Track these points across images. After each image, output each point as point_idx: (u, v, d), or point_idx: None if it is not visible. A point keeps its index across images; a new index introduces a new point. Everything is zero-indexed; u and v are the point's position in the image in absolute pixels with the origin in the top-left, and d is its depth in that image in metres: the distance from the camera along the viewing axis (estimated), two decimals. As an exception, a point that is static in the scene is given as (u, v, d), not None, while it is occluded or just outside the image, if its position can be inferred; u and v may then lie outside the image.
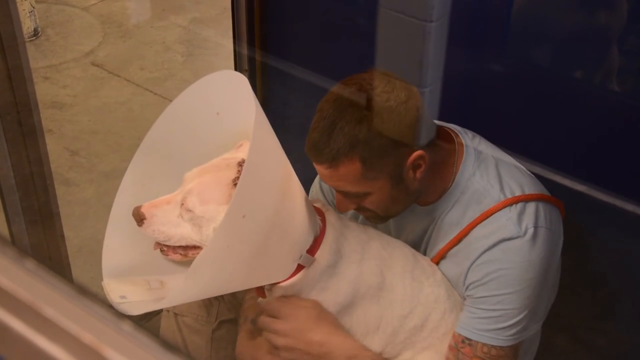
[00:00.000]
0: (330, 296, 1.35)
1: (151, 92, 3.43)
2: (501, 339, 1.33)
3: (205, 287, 1.24)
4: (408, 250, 1.43)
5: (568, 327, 1.81)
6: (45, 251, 1.79)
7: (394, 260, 1.39)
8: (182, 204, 1.24)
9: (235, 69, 2.19)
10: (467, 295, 1.36)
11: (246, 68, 2.17)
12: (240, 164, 1.25)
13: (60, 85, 3.46)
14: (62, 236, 1.83)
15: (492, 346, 1.33)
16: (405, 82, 1.33)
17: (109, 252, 1.37)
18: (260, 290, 1.39)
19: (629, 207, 1.62)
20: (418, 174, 1.33)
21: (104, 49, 3.74)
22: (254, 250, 1.22)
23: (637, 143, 1.60)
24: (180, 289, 1.15)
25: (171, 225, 1.26)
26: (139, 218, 1.26)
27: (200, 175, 1.26)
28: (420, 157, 1.30)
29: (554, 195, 1.44)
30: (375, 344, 1.38)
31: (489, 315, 1.32)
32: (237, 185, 1.11)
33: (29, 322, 0.36)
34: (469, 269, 1.35)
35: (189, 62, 3.67)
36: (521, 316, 1.32)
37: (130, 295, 1.32)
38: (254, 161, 1.12)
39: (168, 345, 0.34)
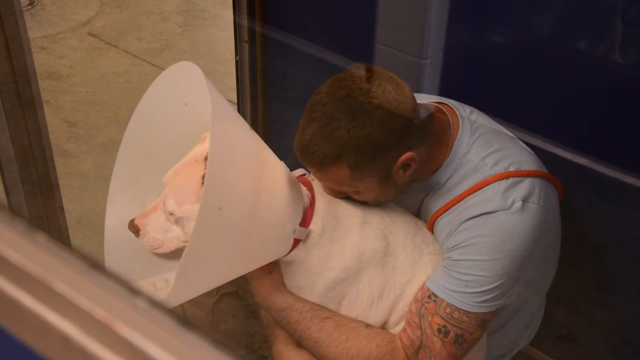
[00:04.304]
0: (338, 262, 1.35)
1: (149, 63, 3.40)
2: (467, 304, 1.31)
3: (200, 283, 1.25)
4: (410, 217, 1.44)
5: (568, 300, 1.82)
6: (44, 223, 1.79)
7: (396, 226, 1.39)
8: (165, 209, 1.27)
9: (235, 40, 2.17)
10: (446, 257, 1.36)
11: (246, 39, 2.14)
12: (207, 158, 1.24)
13: (57, 55, 3.43)
14: (62, 208, 1.82)
15: (456, 308, 1.32)
16: (397, 79, 1.30)
17: (112, 263, 1.39)
18: (267, 266, 1.39)
19: (629, 180, 1.62)
20: (408, 172, 1.33)
21: (100, 18, 3.70)
22: (241, 238, 1.22)
23: (638, 115, 1.59)
24: (173, 292, 1.15)
25: (163, 231, 1.29)
26: (135, 230, 1.29)
27: (174, 177, 1.28)
28: (410, 158, 1.30)
29: (553, 168, 1.43)
30: (379, 313, 1.38)
31: (461, 278, 1.31)
32: (204, 182, 1.11)
33: (39, 297, 0.35)
34: (450, 235, 1.35)
35: (187, 33, 3.64)
36: (493, 285, 1.31)
37: None
38: (217, 155, 1.11)
39: (184, 322, 0.33)
